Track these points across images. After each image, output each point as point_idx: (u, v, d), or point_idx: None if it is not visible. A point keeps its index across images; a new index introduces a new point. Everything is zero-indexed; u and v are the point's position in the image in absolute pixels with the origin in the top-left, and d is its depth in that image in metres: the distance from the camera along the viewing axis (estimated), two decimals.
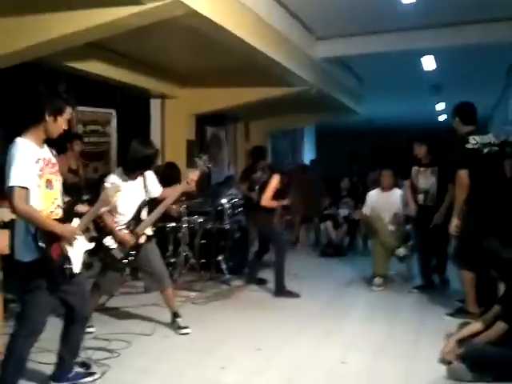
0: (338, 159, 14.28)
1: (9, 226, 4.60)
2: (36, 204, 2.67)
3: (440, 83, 11.23)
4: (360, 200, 8.92)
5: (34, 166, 2.67)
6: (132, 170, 4.15)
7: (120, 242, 4.11)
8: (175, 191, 4.34)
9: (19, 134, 2.73)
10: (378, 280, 5.80)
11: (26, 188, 2.61)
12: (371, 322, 4.71)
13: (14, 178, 2.57)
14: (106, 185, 3.22)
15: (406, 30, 7.51)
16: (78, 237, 2.87)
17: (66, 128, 2.83)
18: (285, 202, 5.72)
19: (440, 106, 14.44)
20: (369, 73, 10.79)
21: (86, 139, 7.63)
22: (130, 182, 4.15)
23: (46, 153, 2.82)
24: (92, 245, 3.05)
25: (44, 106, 2.71)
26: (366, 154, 16.34)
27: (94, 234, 6.37)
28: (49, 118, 2.72)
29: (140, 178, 4.21)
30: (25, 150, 2.65)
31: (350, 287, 5.99)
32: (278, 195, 5.56)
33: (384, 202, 6.19)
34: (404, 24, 7.27)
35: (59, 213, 2.83)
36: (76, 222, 2.93)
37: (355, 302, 5.53)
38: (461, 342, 3.61)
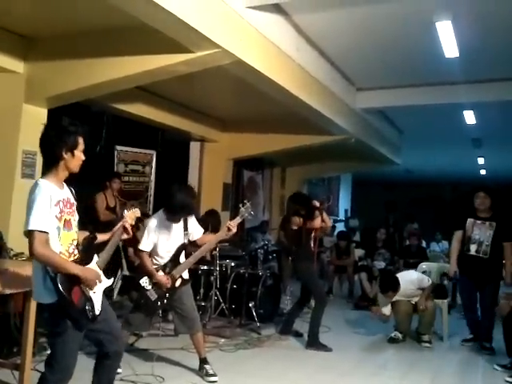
0: (374, 209, 14.08)
1: None
2: (55, 246, 2.61)
3: (480, 137, 11.08)
4: (396, 252, 8.76)
5: (54, 209, 2.62)
6: (173, 215, 4.16)
7: (156, 284, 4.11)
8: (215, 237, 4.35)
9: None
10: (396, 334, 5.75)
11: (46, 232, 2.55)
12: (407, 381, 4.50)
13: (34, 222, 2.51)
14: (125, 212, 3.19)
15: (447, 84, 7.52)
16: (99, 281, 2.80)
17: (83, 158, 2.78)
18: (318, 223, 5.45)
19: (481, 161, 14.18)
20: (409, 124, 10.77)
21: (126, 178, 7.81)
22: (171, 225, 4.18)
23: (66, 193, 2.78)
24: (111, 281, 2.96)
25: (59, 146, 2.68)
26: (404, 204, 16.08)
27: (126, 272, 6.42)
28: (67, 156, 2.70)
29: (181, 221, 4.22)
30: (46, 193, 2.60)
31: (384, 343, 5.77)
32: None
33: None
34: (444, 78, 7.28)
35: (77, 254, 2.77)
36: (95, 259, 2.87)
37: (390, 359, 5.32)
38: None
